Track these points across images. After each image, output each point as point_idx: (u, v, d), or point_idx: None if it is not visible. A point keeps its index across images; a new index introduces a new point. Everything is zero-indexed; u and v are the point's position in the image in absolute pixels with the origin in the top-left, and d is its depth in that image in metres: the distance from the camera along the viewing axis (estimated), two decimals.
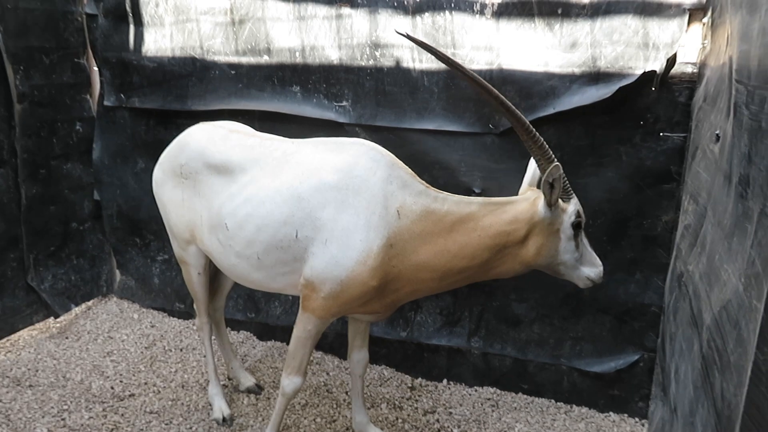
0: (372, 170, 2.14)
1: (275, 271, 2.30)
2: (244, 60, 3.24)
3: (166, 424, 2.75)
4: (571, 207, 2.09)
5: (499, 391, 3.08)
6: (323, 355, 3.38)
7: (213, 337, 2.93)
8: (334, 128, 3.11)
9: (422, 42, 2.02)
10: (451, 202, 2.15)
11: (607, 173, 2.71)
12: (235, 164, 2.38)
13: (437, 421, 2.84)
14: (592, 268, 2.20)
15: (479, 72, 2.75)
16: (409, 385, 3.14)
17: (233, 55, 3.27)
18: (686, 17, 2.44)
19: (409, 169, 2.24)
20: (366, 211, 2.10)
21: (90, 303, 3.94)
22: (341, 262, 2.11)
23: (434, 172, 2.97)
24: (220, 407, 2.82)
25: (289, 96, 3.19)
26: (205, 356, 2.93)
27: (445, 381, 3.17)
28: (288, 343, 3.44)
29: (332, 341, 3.38)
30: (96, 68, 3.78)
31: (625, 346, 2.87)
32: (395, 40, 2.87)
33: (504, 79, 2.74)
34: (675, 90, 2.55)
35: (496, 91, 1.98)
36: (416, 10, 2.80)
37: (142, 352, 3.38)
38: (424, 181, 2.22)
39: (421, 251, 2.12)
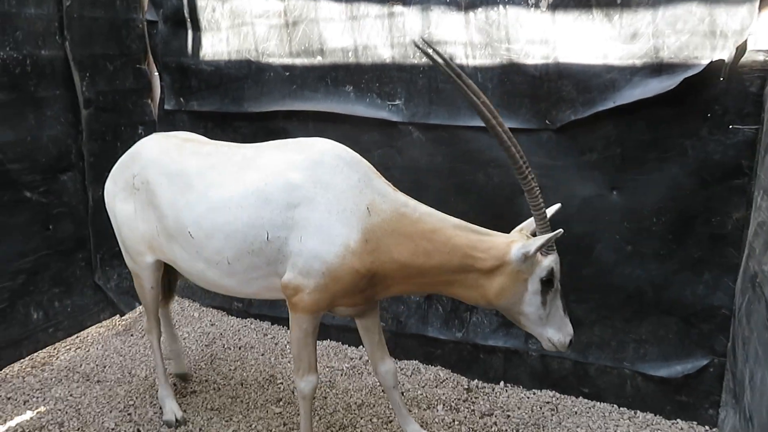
0: (338, 167, 2.17)
1: (248, 275, 2.29)
2: (298, 61, 3.27)
3: (226, 421, 2.81)
4: (546, 262, 2.01)
5: (558, 395, 3.00)
6: None
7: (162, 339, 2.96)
8: (387, 127, 3.10)
9: (435, 57, 2.04)
10: (423, 212, 2.15)
11: (671, 169, 2.59)
12: (192, 172, 2.35)
13: (494, 424, 2.78)
14: (557, 333, 2.11)
15: (535, 66, 2.69)
16: (465, 386, 3.09)
17: (287, 57, 3.31)
18: (757, 2, 2.30)
19: (374, 168, 2.26)
20: (337, 206, 2.12)
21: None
22: (321, 256, 2.12)
23: (489, 170, 2.92)
24: (172, 409, 2.82)
25: (342, 96, 3.20)
26: (155, 362, 2.90)
27: (501, 383, 3.11)
28: (344, 342, 3.50)
29: (387, 341, 3.35)
30: (156, 73, 3.90)
31: (693, 349, 2.73)
32: (448, 37, 2.83)
33: (560, 72, 2.65)
34: (745, 80, 2.41)
35: (504, 134, 1.99)
36: (469, 6, 2.76)
37: (202, 350, 3.47)
38: (389, 183, 2.24)
39: (393, 250, 2.12)
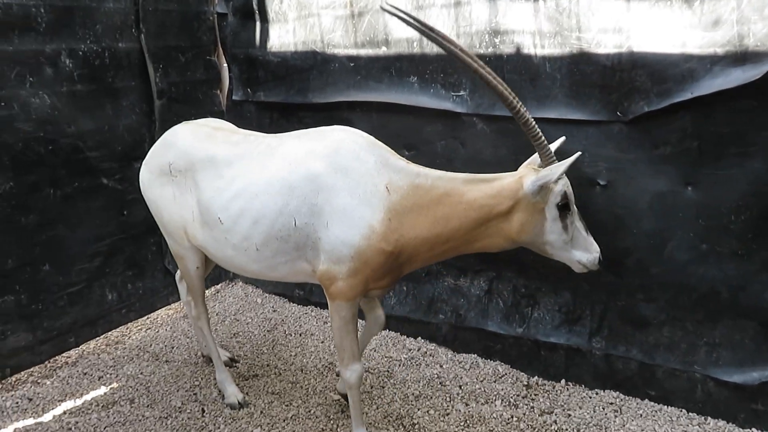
0: (355, 152, 2.25)
1: (276, 260, 2.38)
2: (363, 52, 3.28)
3: (286, 406, 2.87)
4: (558, 187, 2.11)
5: (622, 396, 2.90)
6: (436, 347, 3.36)
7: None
8: (451, 118, 3.07)
9: (408, 18, 2.14)
10: (434, 177, 2.24)
11: (753, 164, 2.44)
12: (220, 160, 2.45)
13: (555, 422, 2.72)
14: (584, 253, 2.22)
15: (606, 56, 2.59)
16: (525, 383, 3.04)
17: (352, 48, 3.32)
18: None
19: (389, 148, 2.34)
20: (357, 190, 2.20)
21: (218, 286, 4.20)
22: (348, 240, 2.19)
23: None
24: (234, 392, 2.88)
25: (406, 87, 3.19)
26: (208, 347, 2.98)
27: (563, 381, 3.03)
28: (402, 333, 3.50)
29: (446, 333, 3.36)
30: (225, 65, 4.00)
31: None
32: (516, 26, 2.77)
33: (634, 62, 2.54)
34: None
35: (488, 75, 2.09)
36: None
37: (264, 335, 3.56)
38: (403, 158, 2.33)
39: (415, 223, 2.21)
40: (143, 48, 3.48)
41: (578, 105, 2.71)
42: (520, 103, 2.09)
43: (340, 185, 2.21)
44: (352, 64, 3.35)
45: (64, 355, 3.31)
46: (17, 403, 2.90)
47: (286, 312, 3.85)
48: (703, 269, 2.63)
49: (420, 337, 3.45)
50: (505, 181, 2.18)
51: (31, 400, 2.93)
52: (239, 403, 2.86)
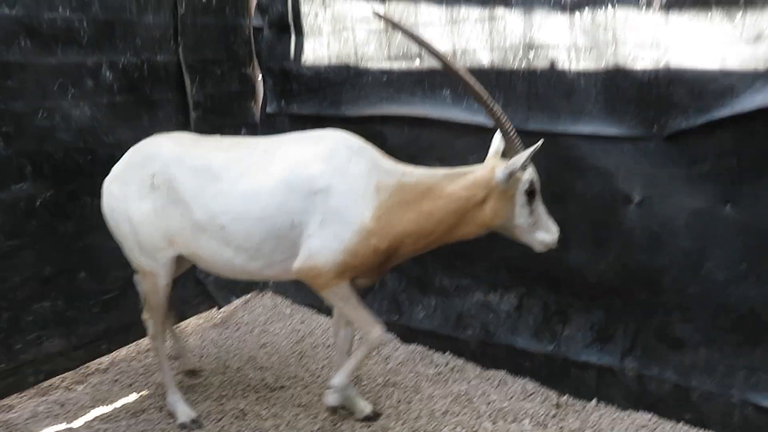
0: (350, 156, 2.41)
1: (273, 258, 2.48)
2: (396, 65, 3.30)
3: (313, 418, 2.87)
4: (526, 176, 2.31)
5: (656, 418, 2.82)
6: (464, 362, 3.33)
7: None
8: (483, 132, 3.05)
9: (393, 22, 2.56)
10: (418, 175, 2.43)
11: None
12: (218, 165, 2.49)
13: None
14: (547, 234, 2.42)
15: (643, 71, 2.55)
16: (555, 402, 2.98)
17: (385, 61, 3.34)
18: None
19: (379, 150, 2.51)
20: (352, 191, 2.37)
21: (248, 296, 4.24)
22: (340, 238, 2.37)
23: (589, 178, 2.80)
24: (185, 412, 2.81)
25: (438, 100, 3.19)
26: (160, 367, 2.91)
27: (594, 401, 2.96)
28: (430, 348, 3.47)
29: (474, 349, 3.32)
30: (260, 77, 4.06)
31: None
32: (551, 40, 2.75)
33: (672, 78, 2.50)
34: None
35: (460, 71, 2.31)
36: (574, 7, 2.66)
37: (292, 347, 3.57)
38: (391, 159, 2.49)
39: (402, 219, 2.38)
40: (181, 61, 3.55)
41: (614, 120, 2.67)
42: (488, 94, 2.31)
43: (335, 186, 2.37)
44: (385, 78, 3.37)
45: (96, 361, 3.37)
46: (50, 408, 2.95)
47: (314, 323, 3.86)
48: (743, 289, 2.55)
49: (448, 352, 3.42)
50: (478, 173, 2.37)
51: (63, 405, 2.98)
52: (193, 421, 2.79)
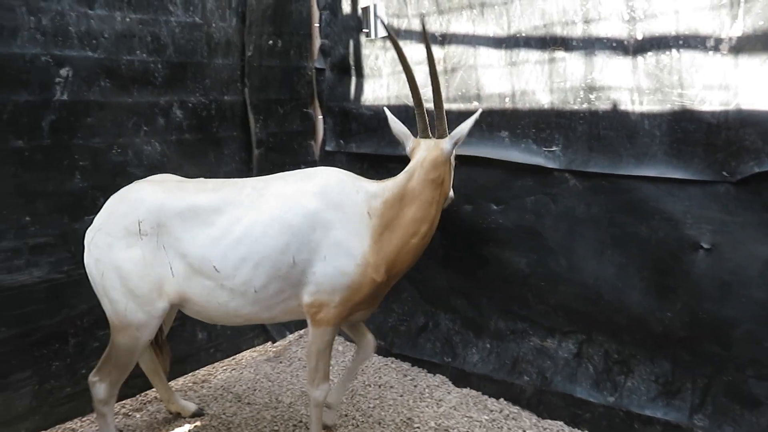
0: (342, 188, 2.50)
1: (272, 301, 2.47)
2: (454, 107, 3.32)
3: None
4: (454, 140, 2.61)
5: None
6: (520, 410, 3.21)
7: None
8: (542, 174, 3.02)
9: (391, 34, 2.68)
10: (391, 186, 2.56)
11: None
12: (206, 208, 2.43)
13: None
14: (450, 189, 2.76)
15: (711, 113, 2.47)
16: None
17: (444, 102, 3.36)
18: None
19: (362, 178, 2.62)
20: (349, 222, 2.43)
21: (302, 331, 4.26)
22: (344, 270, 2.41)
23: (653, 222, 2.70)
24: None
25: (496, 141, 3.18)
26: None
27: None
28: (483, 392, 3.37)
29: (530, 396, 3.20)
30: (320, 117, 4.17)
31: None
32: (613, 82, 2.71)
33: (742, 120, 2.41)
34: None
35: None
36: (638, 50, 2.62)
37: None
38: (372, 181, 2.62)
39: (393, 237, 2.50)
40: (246, 100, 3.70)
41: (680, 164, 2.58)
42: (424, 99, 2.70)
43: (334, 220, 2.41)
44: None
45: (154, 390, 3.44)
46: None
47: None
48: None
49: (503, 399, 3.31)
50: (429, 155, 2.58)
51: (121, 431, 3.05)
52: None
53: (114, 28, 3.01)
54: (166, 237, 2.42)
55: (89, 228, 2.49)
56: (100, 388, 2.58)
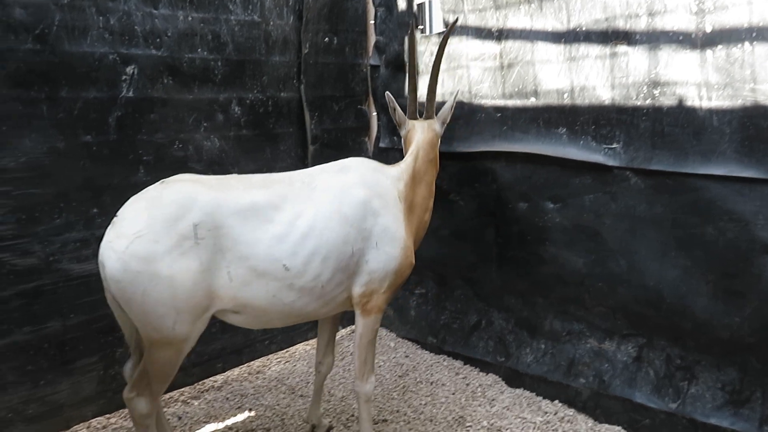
0: (377, 176, 2.61)
1: (332, 294, 2.44)
2: (510, 103, 3.27)
3: None
4: (441, 120, 2.97)
5: None
6: (575, 413, 3.14)
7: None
8: (601, 172, 2.93)
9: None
10: (405, 169, 2.75)
11: None
12: (264, 205, 2.29)
13: None
14: None
15: None
16: None
17: (500, 99, 3.32)
18: None
19: (382, 164, 2.78)
20: (392, 208, 2.55)
21: (354, 326, 4.29)
22: (393, 255, 2.50)
23: (721, 223, 2.59)
24: None
25: (554, 138, 3.11)
26: None
27: None
28: (538, 394, 3.31)
29: (586, 399, 3.13)
30: (375, 113, 4.18)
31: None
32: (679, 77, 2.61)
33: None
34: None
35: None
36: (706, 44, 2.51)
37: (396, 381, 3.55)
38: (391, 165, 2.77)
39: (414, 217, 2.72)
40: (302, 97, 3.74)
41: (751, 162, 2.46)
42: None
43: (380, 207, 2.50)
44: (498, 115, 3.35)
45: (211, 378, 3.54)
46: (168, 419, 3.12)
47: (418, 359, 3.83)
48: None
49: (557, 401, 3.25)
50: (425, 137, 2.86)
51: (180, 418, 3.15)
52: None
53: (177, 27, 3.10)
54: (224, 240, 2.19)
55: (112, 238, 2.08)
56: (140, 402, 2.30)
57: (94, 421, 3.03)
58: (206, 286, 2.18)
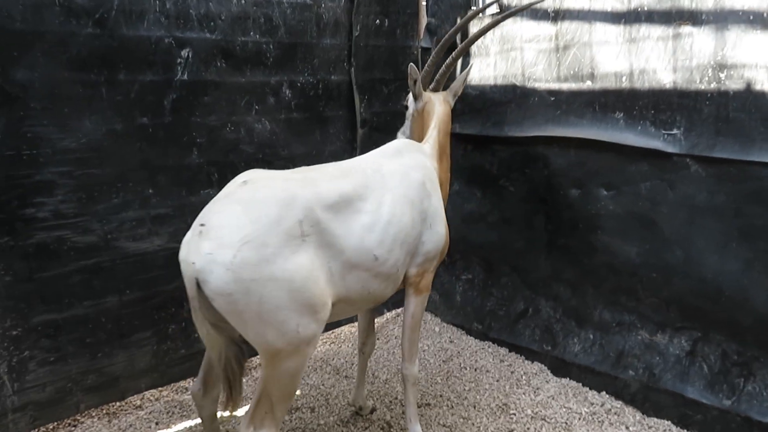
0: (423, 159, 2.67)
1: (399, 276, 2.47)
2: (565, 86, 3.17)
3: None
4: (453, 93, 3.00)
5: None
6: (623, 406, 3.07)
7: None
8: (659, 158, 2.82)
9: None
10: (433, 144, 2.81)
11: None
12: (350, 195, 2.24)
13: None
14: None
15: None
16: None
17: (554, 82, 3.23)
18: None
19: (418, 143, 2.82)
20: (437, 188, 2.65)
21: (399, 310, 4.31)
22: (441, 234, 2.59)
23: None
24: None
25: (610, 123, 3.01)
26: None
27: None
28: (584, 384, 3.26)
29: (635, 392, 3.05)
30: None
31: None
32: (747, 60, 2.47)
33: None
34: None
35: None
36: None
37: (440, 365, 3.55)
38: (422, 144, 2.80)
39: (443, 191, 2.76)
40: (352, 80, 3.74)
41: None
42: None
43: (431, 188, 2.59)
44: (552, 98, 3.26)
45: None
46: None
47: (463, 344, 3.81)
48: None
49: (605, 392, 3.18)
50: (443, 109, 2.89)
51: None
52: None
53: (230, 10, 3.14)
54: (325, 235, 2.12)
55: (212, 250, 1.87)
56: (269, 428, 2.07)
57: (148, 393, 3.15)
58: (319, 281, 2.08)
